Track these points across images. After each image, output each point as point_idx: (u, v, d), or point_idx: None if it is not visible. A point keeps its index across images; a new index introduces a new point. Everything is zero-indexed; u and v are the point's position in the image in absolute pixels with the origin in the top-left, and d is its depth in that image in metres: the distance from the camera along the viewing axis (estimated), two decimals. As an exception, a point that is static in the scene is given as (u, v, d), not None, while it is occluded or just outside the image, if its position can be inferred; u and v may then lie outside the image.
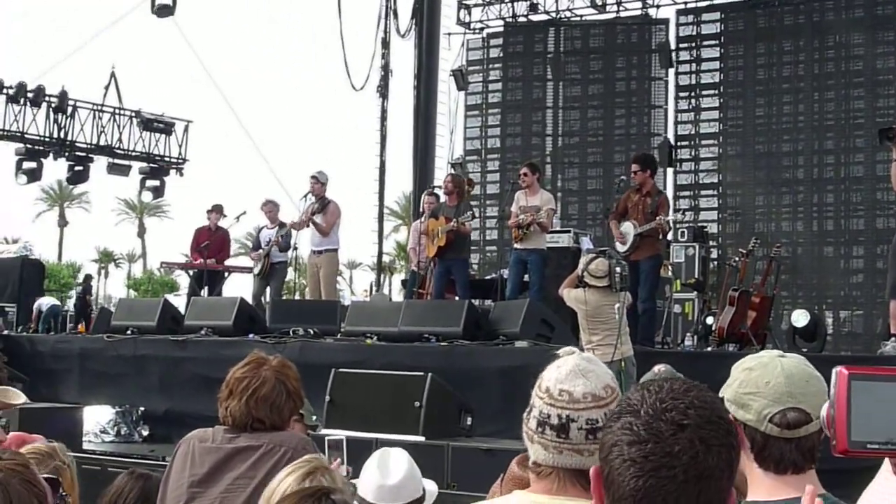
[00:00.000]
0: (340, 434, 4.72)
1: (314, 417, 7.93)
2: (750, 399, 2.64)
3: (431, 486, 4.64)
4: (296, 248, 16.57)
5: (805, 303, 17.37)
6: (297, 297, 21.22)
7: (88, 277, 30.46)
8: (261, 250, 16.64)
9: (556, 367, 2.68)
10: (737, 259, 13.81)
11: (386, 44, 22.56)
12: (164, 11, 23.80)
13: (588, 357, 2.73)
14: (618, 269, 10.00)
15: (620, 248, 12.61)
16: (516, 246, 13.81)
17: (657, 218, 12.42)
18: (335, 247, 16.00)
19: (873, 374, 1.31)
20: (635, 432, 1.83)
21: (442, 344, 11.99)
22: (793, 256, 18.86)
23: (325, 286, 15.84)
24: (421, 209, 15.97)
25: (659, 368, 7.22)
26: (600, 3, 22.38)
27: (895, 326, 10.52)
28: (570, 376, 2.62)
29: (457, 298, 14.19)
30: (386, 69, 22.67)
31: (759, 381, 2.67)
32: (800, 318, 13.08)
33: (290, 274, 18.15)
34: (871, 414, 1.29)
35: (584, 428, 2.56)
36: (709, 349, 13.10)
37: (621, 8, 22.27)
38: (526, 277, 13.79)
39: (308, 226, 15.86)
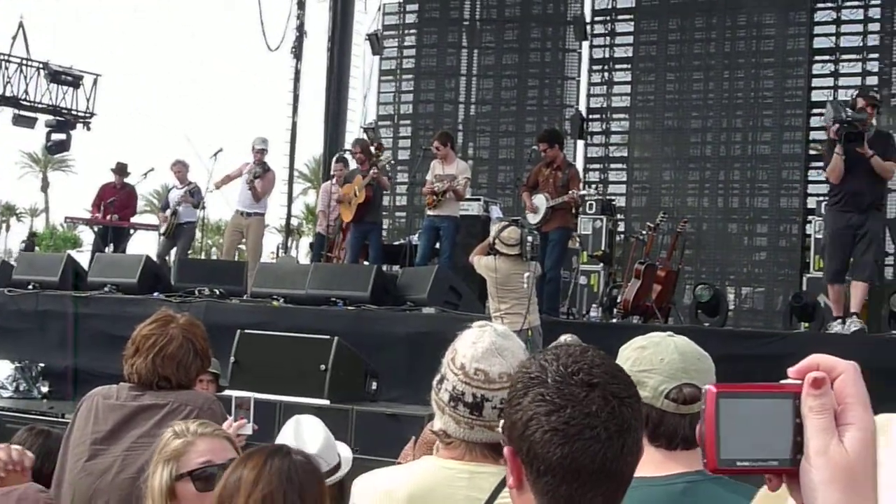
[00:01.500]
0: (247, 394, 4.68)
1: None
2: (645, 376, 2.67)
3: (346, 452, 4.62)
4: (204, 208, 16.44)
5: (708, 278, 17.58)
6: (202, 256, 21.05)
7: (32, 235, 29.91)
8: (168, 211, 16.48)
9: (472, 343, 2.67)
10: (644, 233, 13.97)
11: (301, 4, 22.38)
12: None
13: (504, 333, 2.73)
14: (529, 239, 10.08)
15: (532, 218, 12.69)
16: (429, 213, 13.82)
17: (570, 192, 12.51)
18: (263, 211, 16.10)
19: (740, 392, 1.33)
20: (549, 401, 1.80)
21: (349, 308, 12.00)
22: (698, 232, 19.08)
23: (251, 250, 15.90)
24: (331, 172, 15.93)
25: (565, 338, 7.27)
26: (518, -27, 22.35)
27: (837, 309, 10.95)
28: (486, 355, 2.63)
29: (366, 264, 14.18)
30: (301, 30, 22.49)
31: (653, 359, 2.71)
32: (703, 292, 13.25)
33: (198, 234, 18.01)
34: (739, 431, 1.32)
35: (498, 407, 2.57)
36: (614, 321, 13.24)
37: (538, -22, 22.26)
38: (437, 245, 13.81)
39: (236, 179, 15.84)
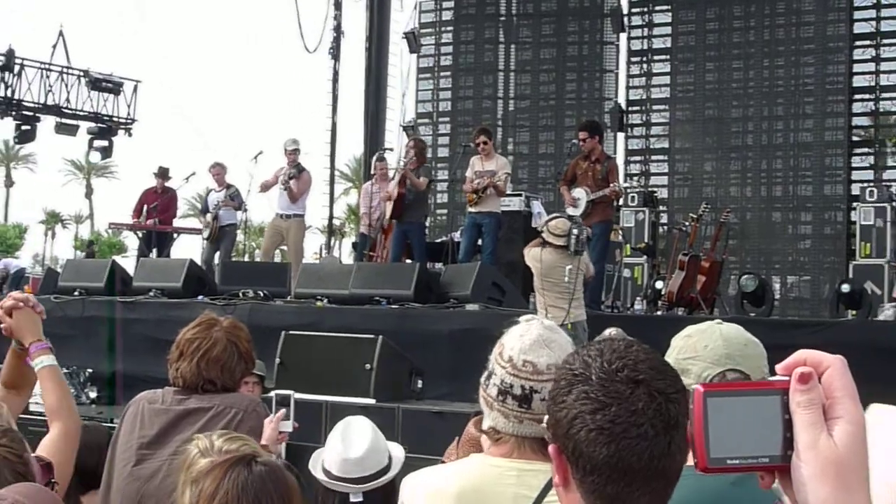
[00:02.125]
0: (288, 391, 4.67)
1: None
2: (689, 364, 2.65)
3: (398, 452, 4.59)
4: (246, 210, 16.49)
5: (753, 267, 17.47)
6: (246, 259, 21.16)
7: (91, 244, 30.23)
8: (209, 215, 16.52)
9: (519, 335, 2.66)
10: (687, 224, 13.90)
11: (338, 5, 22.42)
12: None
13: (550, 325, 2.71)
14: (575, 232, 10.00)
15: (572, 212, 12.64)
16: (471, 209, 13.81)
17: (611, 185, 12.46)
18: (302, 213, 15.99)
19: (728, 391, 1.33)
20: (594, 399, 1.77)
21: (393, 307, 12.00)
22: (741, 222, 18.98)
23: (292, 252, 15.87)
24: (371, 172, 15.93)
25: (610, 332, 7.24)
26: (553, -33, 22.29)
27: None
28: (534, 347, 2.61)
29: (409, 262, 14.18)
30: (338, 30, 22.53)
31: (697, 346, 2.70)
32: (748, 282, 13.17)
33: (240, 236, 18.07)
34: (728, 430, 1.31)
35: (547, 399, 2.55)
36: (658, 313, 13.19)
37: (574, -28, 22.19)
38: (479, 241, 13.80)
39: (275, 185, 15.82)
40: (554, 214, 10.50)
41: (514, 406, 2.61)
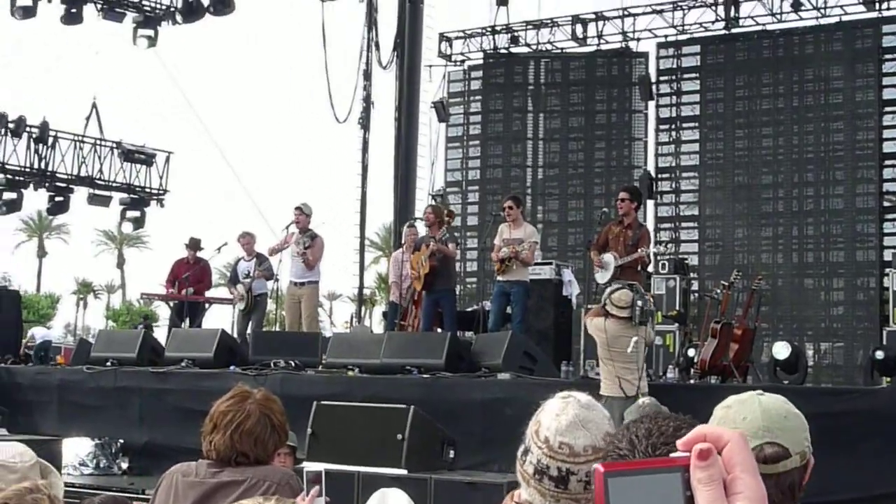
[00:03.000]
0: (319, 466, 4.66)
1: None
2: None
3: None
4: (277, 280, 16.54)
5: (786, 335, 17.39)
6: (277, 328, 21.18)
7: (146, 317, 30.36)
8: (240, 286, 16.53)
9: (556, 415, 2.63)
10: (718, 291, 13.82)
11: (368, 75, 22.61)
12: (145, 43, 23.85)
13: (587, 403, 2.69)
14: (639, 303, 10.00)
15: (600, 277, 12.64)
16: (499, 278, 13.81)
17: (638, 250, 12.45)
18: (317, 279, 15.98)
19: (628, 470, 1.32)
20: None
21: (424, 376, 11.96)
22: (773, 288, 18.88)
23: (306, 318, 15.79)
24: (402, 240, 15.98)
25: (644, 401, 7.21)
26: (581, 36, 22.45)
27: None
28: (571, 428, 2.59)
29: (439, 331, 14.16)
30: (367, 101, 22.71)
31: (736, 418, 2.66)
32: (781, 350, 13.06)
33: (270, 305, 18.10)
34: None
35: (584, 480, 2.54)
36: (691, 381, 13.08)
37: (602, 41, 22.35)
38: (508, 309, 13.78)
39: (284, 250, 15.87)
40: (615, 286, 10.49)
41: (551, 486, 2.59)
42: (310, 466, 4.93)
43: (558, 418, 2.61)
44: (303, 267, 15.70)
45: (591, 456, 2.51)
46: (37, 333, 20.13)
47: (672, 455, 1.31)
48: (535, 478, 2.62)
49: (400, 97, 22.29)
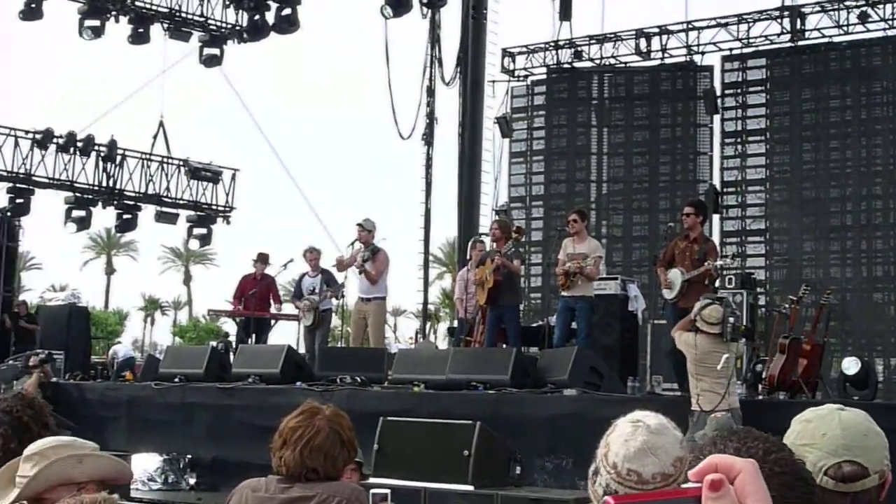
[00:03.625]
0: (385, 488, 4.67)
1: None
2: (806, 451, 2.58)
3: None
4: (343, 296, 16.59)
5: (855, 350, 17.17)
6: (341, 344, 21.25)
7: (226, 335, 30.73)
8: (306, 301, 16.56)
9: (624, 440, 2.58)
10: (787, 306, 13.68)
11: (431, 92, 22.66)
12: (211, 61, 24.11)
13: (657, 428, 2.62)
14: (731, 319, 9.96)
15: (668, 294, 12.56)
16: (563, 293, 13.76)
17: (706, 263, 12.36)
18: (383, 295, 15.99)
19: (641, 501, 1.30)
20: None
21: (490, 392, 11.95)
22: (842, 303, 18.64)
23: (373, 334, 15.82)
24: (468, 257, 15.96)
25: (716, 415, 7.16)
26: (645, 50, 22.37)
27: None
28: (639, 455, 2.54)
29: (504, 346, 14.12)
30: (431, 117, 22.77)
31: (815, 433, 2.62)
32: (850, 365, 12.91)
33: (335, 321, 18.16)
34: None
35: None
36: (760, 397, 12.96)
37: (666, 55, 22.24)
38: (573, 325, 13.72)
39: (352, 266, 15.91)
40: (706, 301, 10.44)
41: None
42: (374, 491, 4.93)
43: (626, 444, 2.57)
44: (366, 282, 15.74)
45: (659, 483, 2.48)
46: (119, 350, 20.41)
47: (683, 486, 1.29)
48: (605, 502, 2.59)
49: (463, 113, 22.31)
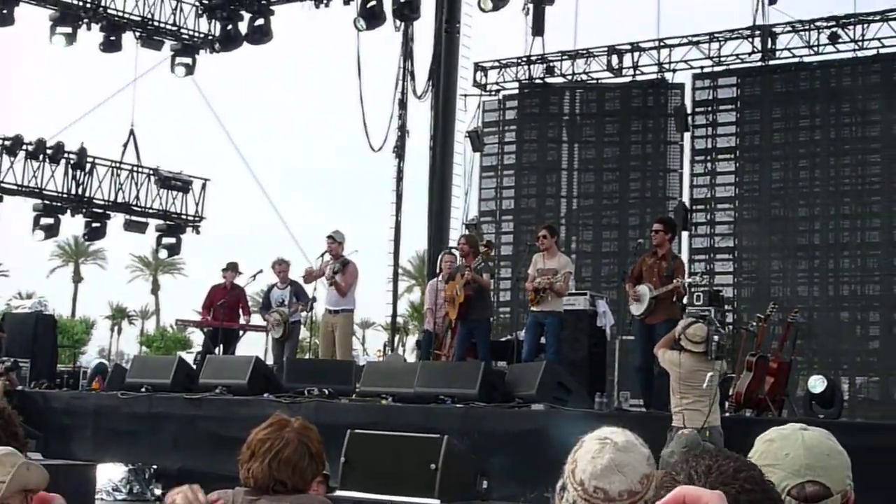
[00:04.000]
0: (351, 501, 4.67)
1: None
2: (769, 471, 2.57)
3: None
4: (312, 309, 16.57)
5: (821, 368, 17.26)
6: (309, 356, 21.20)
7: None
8: (276, 313, 16.53)
9: (591, 457, 2.59)
10: (754, 324, 13.74)
11: (403, 105, 22.67)
12: (183, 70, 24.05)
13: (624, 446, 2.63)
14: (715, 338, 10.01)
15: (635, 308, 12.62)
16: (533, 308, 13.79)
17: (674, 280, 12.42)
18: (351, 307, 16.00)
19: None
20: None
21: (458, 406, 11.95)
22: (809, 321, 18.73)
23: (340, 346, 15.81)
24: (438, 269, 15.96)
25: (683, 432, 7.18)
26: (616, 67, 22.44)
27: None
28: (606, 472, 2.55)
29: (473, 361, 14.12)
30: (403, 130, 22.77)
31: (778, 453, 2.63)
32: (816, 383, 12.96)
33: (304, 332, 18.12)
34: None
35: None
36: (726, 414, 12.99)
37: (637, 72, 22.33)
38: (542, 340, 13.75)
39: (321, 278, 15.90)
40: (689, 320, 10.49)
41: None
42: (343, 495, 4.93)
43: (594, 461, 2.58)
44: (335, 294, 15.74)
45: (625, 500, 2.49)
46: (90, 359, 20.26)
47: None
48: None
49: (435, 126, 22.31)
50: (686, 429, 7.48)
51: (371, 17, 20.47)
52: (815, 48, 20.26)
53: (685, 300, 14.26)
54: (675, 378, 10.22)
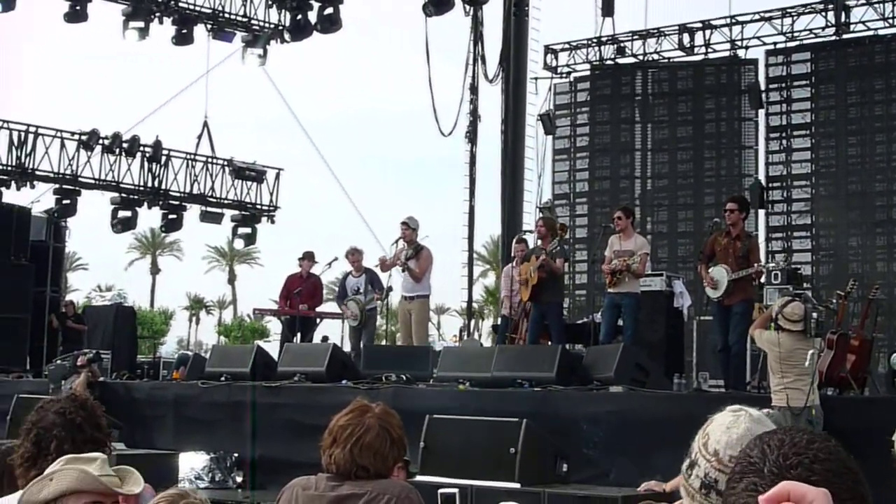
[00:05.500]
0: (453, 487, 4.67)
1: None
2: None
3: None
4: (387, 297, 16.61)
5: (903, 345, 17.01)
6: (385, 342, 21.28)
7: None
8: (352, 303, 16.58)
9: (726, 428, 2.59)
10: (834, 301, 13.57)
11: (474, 89, 22.66)
12: (255, 61, 24.19)
13: (758, 418, 2.63)
14: (814, 315, 9.89)
15: (712, 293, 12.49)
16: (610, 290, 13.72)
17: (754, 265, 12.30)
18: (427, 293, 16.00)
19: None
20: (762, 493, 1.65)
21: (535, 389, 11.90)
22: (889, 298, 18.47)
23: (416, 332, 15.83)
24: (511, 255, 15.94)
25: (766, 411, 7.10)
26: (688, 45, 22.26)
27: None
28: (742, 441, 2.54)
29: (550, 343, 14.09)
30: (474, 114, 22.77)
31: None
32: (899, 360, 12.79)
33: (380, 320, 18.18)
34: None
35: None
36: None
37: (709, 49, 22.13)
38: (620, 321, 13.68)
39: (395, 266, 15.93)
40: (786, 299, 10.37)
41: (719, 501, 2.54)
42: (441, 490, 4.92)
43: (729, 431, 2.58)
44: (410, 280, 15.76)
45: None
46: (167, 351, 20.57)
47: None
48: (702, 492, 2.58)
49: (506, 110, 22.29)
50: (777, 407, 7.39)
51: (440, 3, 20.43)
52: (890, 20, 19.92)
53: (762, 279, 14.12)
54: (773, 358, 10.08)
